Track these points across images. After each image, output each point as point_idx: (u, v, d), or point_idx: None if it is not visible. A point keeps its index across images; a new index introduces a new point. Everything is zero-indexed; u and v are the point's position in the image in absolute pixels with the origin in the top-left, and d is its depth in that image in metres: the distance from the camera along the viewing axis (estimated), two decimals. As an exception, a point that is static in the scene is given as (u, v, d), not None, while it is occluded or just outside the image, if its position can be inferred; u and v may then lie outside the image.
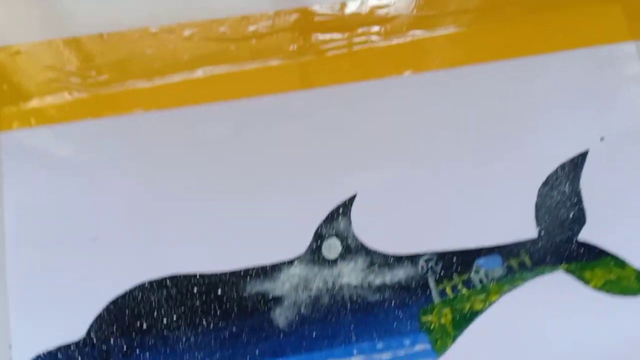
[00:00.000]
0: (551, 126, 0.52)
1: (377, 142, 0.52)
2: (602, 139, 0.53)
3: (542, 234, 0.51)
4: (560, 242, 0.51)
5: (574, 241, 0.51)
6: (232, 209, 0.50)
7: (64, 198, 0.50)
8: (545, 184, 0.51)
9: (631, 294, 0.51)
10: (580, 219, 0.51)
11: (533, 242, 0.51)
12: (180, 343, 0.50)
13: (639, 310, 0.51)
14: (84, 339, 0.51)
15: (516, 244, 0.51)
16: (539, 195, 0.51)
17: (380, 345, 0.51)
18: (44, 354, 0.50)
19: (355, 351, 0.51)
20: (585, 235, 0.52)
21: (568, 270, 0.51)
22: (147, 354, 0.50)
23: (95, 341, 0.51)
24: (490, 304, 0.51)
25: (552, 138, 0.53)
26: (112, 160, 0.51)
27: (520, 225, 0.52)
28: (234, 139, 0.51)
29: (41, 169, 0.51)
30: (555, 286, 0.52)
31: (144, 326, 0.51)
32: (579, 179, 0.52)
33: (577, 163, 0.52)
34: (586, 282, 0.51)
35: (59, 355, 0.50)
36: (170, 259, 0.50)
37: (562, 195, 0.51)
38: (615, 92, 0.53)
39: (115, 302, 0.51)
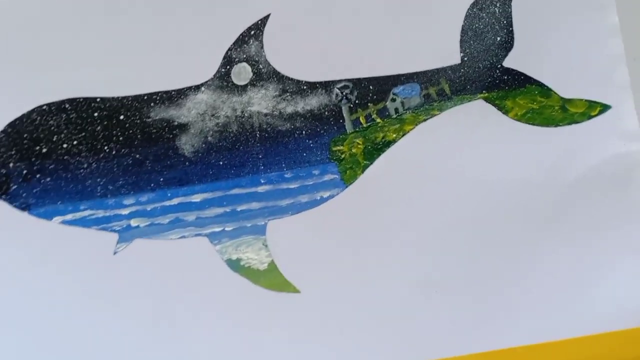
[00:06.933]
0: None
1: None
2: None
3: (465, 59, 0.48)
4: (484, 69, 0.48)
5: (499, 67, 0.48)
6: (135, 29, 0.47)
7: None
8: (474, 4, 0.48)
9: (553, 125, 0.47)
10: (507, 44, 0.48)
11: (454, 68, 0.48)
12: (82, 169, 0.49)
13: (558, 141, 0.47)
14: (-19, 163, 0.48)
15: (437, 70, 0.48)
16: (467, 17, 0.48)
17: (288, 175, 0.48)
18: None
19: (262, 181, 0.49)
20: (512, 62, 0.48)
21: (488, 99, 0.48)
22: (48, 178, 0.49)
23: (-7, 164, 0.48)
24: (404, 134, 0.49)
25: None
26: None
27: (444, 52, 0.48)
28: None
29: None
30: (474, 116, 0.48)
31: (44, 150, 0.48)
32: None
33: None
34: (506, 111, 0.47)
35: (-46, 181, 0.48)
36: (69, 83, 0.47)
37: (491, 17, 0.48)
38: None
39: (12, 125, 0.49)
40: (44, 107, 0.49)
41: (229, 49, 0.48)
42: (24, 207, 0.49)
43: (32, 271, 0.48)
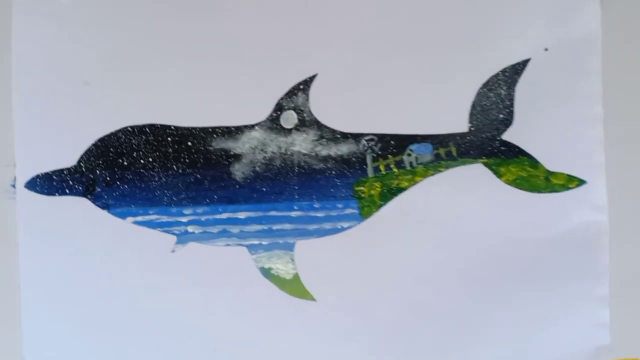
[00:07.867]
0: (499, 36, 0.58)
1: (339, 28, 0.59)
2: (546, 49, 0.58)
3: (471, 129, 0.59)
4: (486, 139, 0.59)
5: (498, 139, 0.59)
6: (209, 74, 0.59)
7: (60, 44, 0.59)
8: (485, 85, 0.58)
9: (537, 191, 0.59)
10: (507, 120, 0.59)
11: (462, 135, 0.59)
12: (154, 181, 0.60)
13: (540, 205, 0.58)
14: (75, 166, 0.60)
15: (447, 135, 0.59)
16: (477, 94, 0.58)
17: (317, 205, 0.60)
18: (42, 174, 0.60)
19: (295, 207, 0.60)
20: (509, 135, 0.59)
21: (486, 164, 0.59)
22: (126, 186, 0.60)
23: (84, 169, 0.60)
24: (414, 184, 0.60)
25: (500, 46, 0.58)
26: (105, 9, 0.60)
27: (455, 120, 0.59)
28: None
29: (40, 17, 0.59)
30: (473, 176, 0.59)
31: (125, 163, 0.60)
32: (515, 83, 0.58)
33: (517, 69, 0.58)
34: (499, 176, 0.59)
35: (54, 177, 0.61)
36: (151, 110, 0.59)
37: (497, 97, 0.58)
38: (562, 5, 0.58)
39: (102, 140, 0.60)
40: (129, 129, 0.60)
41: (281, 98, 0.60)
42: (104, 206, 0.61)
43: (106, 258, 0.61)
